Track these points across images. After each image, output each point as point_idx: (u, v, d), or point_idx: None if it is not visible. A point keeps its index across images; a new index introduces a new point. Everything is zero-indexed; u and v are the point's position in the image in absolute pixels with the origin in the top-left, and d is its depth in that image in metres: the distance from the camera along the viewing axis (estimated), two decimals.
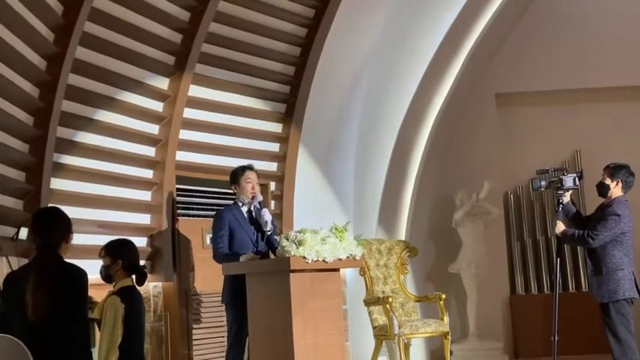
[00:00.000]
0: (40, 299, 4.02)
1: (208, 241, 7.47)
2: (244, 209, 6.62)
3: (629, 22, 10.09)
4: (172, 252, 7.25)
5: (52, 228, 4.28)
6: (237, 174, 6.69)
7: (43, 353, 4.01)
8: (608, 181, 6.70)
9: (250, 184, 6.62)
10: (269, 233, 6.55)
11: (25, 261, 5.17)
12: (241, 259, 6.21)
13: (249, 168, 6.73)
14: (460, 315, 9.80)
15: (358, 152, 9.36)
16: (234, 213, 6.57)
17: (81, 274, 4.19)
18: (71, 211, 6.18)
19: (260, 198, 6.66)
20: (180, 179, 7.55)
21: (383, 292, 7.79)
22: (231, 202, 6.87)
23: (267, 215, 6.57)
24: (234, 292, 6.30)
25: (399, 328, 7.31)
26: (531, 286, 10.05)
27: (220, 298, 6.61)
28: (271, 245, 6.53)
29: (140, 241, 7.05)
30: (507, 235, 10.18)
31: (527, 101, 10.28)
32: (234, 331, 6.42)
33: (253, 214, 6.63)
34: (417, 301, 8.04)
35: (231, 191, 6.82)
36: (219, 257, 6.47)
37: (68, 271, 4.17)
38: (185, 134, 7.57)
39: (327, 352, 5.71)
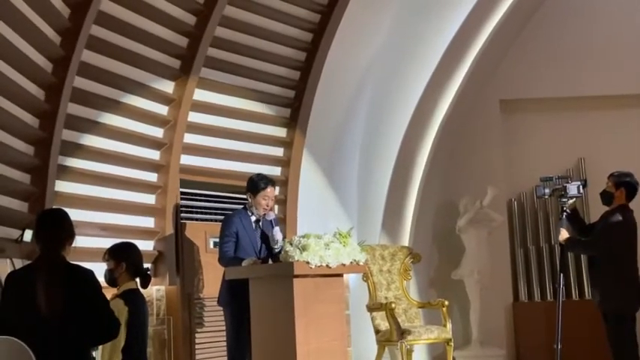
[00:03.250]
0: (54, 294, 4.02)
1: (212, 245, 7.47)
2: (253, 218, 6.59)
3: (634, 30, 10.07)
4: (176, 255, 7.26)
5: (56, 228, 4.28)
6: (257, 186, 6.52)
7: (51, 350, 4.01)
8: (612, 189, 6.69)
9: (266, 201, 6.52)
10: (276, 251, 6.47)
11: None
12: (244, 263, 6.20)
13: (272, 184, 6.58)
14: (463, 322, 9.78)
15: (362, 157, 9.36)
16: (242, 220, 6.54)
17: (89, 272, 4.19)
18: (75, 214, 6.20)
19: (273, 216, 6.61)
20: (184, 183, 7.56)
21: (386, 298, 7.77)
22: (240, 206, 6.84)
23: (278, 235, 6.50)
24: (232, 292, 6.29)
25: (402, 334, 7.30)
26: (534, 294, 10.03)
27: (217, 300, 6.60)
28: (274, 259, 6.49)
29: (144, 245, 7.04)
30: (511, 242, 10.16)
31: (532, 108, 10.27)
32: (233, 331, 6.40)
33: (260, 223, 6.59)
34: (419, 307, 8.02)
35: (235, 195, 6.79)
36: (224, 260, 6.44)
37: (76, 271, 4.17)
38: (190, 138, 7.58)
39: (330, 358, 5.71)
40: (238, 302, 6.14)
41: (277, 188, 8.46)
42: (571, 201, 6.86)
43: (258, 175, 6.68)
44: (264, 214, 6.55)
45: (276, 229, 6.53)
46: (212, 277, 7.16)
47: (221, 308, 6.65)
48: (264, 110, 8.40)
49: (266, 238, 6.55)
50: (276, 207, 8.42)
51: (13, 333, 3.96)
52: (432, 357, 9.46)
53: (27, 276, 4.15)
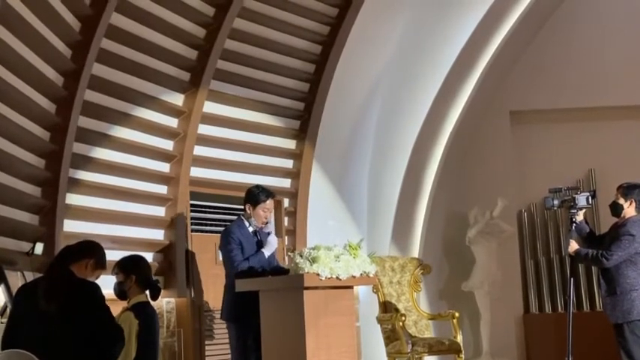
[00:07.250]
0: (52, 298, 4.06)
1: (221, 258, 7.46)
2: (250, 229, 6.56)
3: None
4: (185, 267, 7.27)
5: (76, 248, 4.36)
6: (257, 199, 6.44)
7: (56, 355, 4.04)
8: (621, 200, 6.65)
9: (265, 213, 6.46)
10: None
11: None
12: (265, 250, 6.26)
13: (272, 196, 6.52)
14: (473, 333, 9.75)
15: (372, 169, 9.37)
16: (241, 231, 6.50)
17: (93, 285, 4.23)
18: (86, 226, 6.24)
19: (270, 228, 6.57)
20: (194, 195, 7.58)
21: (396, 310, 7.77)
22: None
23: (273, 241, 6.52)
24: (237, 307, 6.23)
25: (412, 346, 7.29)
26: (545, 305, 10.00)
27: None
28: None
29: (154, 257, 7.07)
30: (521, 253, 10.14)
31: (542, 119, 10.26)
32: (238, 347, 6.33)
33: (258, 234, 6.55)
34: (430, 319, 8.01)
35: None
36: (238, 269, 6.26)
37: (79, 283, 4.21)
38: (199, 150, 7.60)
39: None
40: (242, 321, 6.10)
41: (287, 200, 8.52)
42: (580, 212, 6.84)
43: (258, 186, 6.58)
44: (262, 227, 6.53)
45: (271, 235, 6.48)
46: (222, 289, 7.15)
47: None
48: (273, 122, 8.42)
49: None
50: (285, 219, 8.45)
51: (21, 344, 4.01)
52: None
53: (33, 287, 4.21)
